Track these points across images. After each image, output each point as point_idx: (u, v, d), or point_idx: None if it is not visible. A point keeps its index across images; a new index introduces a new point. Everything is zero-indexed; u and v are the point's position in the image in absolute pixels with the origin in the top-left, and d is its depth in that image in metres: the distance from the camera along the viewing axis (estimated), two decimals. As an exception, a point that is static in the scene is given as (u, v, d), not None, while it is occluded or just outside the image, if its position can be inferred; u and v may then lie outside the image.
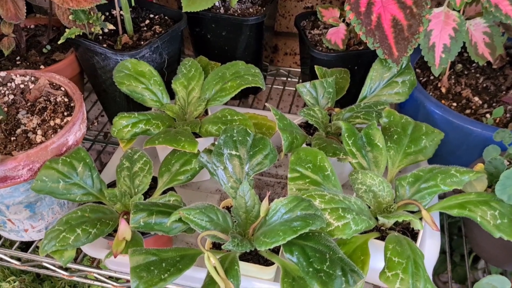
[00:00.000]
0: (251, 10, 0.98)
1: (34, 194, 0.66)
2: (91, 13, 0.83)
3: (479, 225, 0.57)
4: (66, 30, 0.81)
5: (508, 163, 0.64)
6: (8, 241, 0.87)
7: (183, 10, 0.87)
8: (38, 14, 1.11)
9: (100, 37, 0.89)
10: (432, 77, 0.88)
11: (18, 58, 0.90)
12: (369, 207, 0.64)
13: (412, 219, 0.59)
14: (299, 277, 0.56)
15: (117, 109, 0.85)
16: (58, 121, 0.70)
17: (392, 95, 0.79)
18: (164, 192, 0.68)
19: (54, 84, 0.76)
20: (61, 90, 0.75)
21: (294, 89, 1.12)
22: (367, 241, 0.60)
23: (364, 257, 0.57)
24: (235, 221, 0.62)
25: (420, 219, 0.61)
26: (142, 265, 0.53)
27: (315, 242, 0.55)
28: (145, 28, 0.92)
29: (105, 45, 0.83)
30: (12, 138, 0.67)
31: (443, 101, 0.81)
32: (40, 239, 0.77)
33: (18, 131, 0.68)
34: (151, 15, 0.97)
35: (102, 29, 0.88)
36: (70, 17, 0.82)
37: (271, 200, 0.59)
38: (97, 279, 0.74)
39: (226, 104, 0.80)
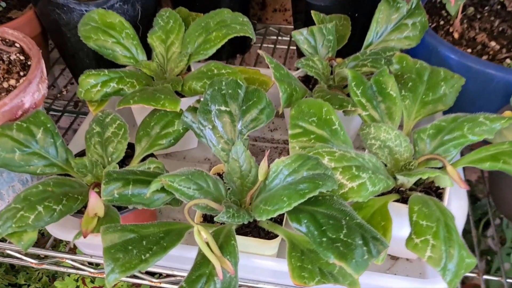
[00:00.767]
0: (234, -44, 0.87)
1: (-13, 168, 0.56)
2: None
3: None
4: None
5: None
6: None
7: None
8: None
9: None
10: (442, 22, 0.79)
11: (-32, 17, 0.79)
12: (385, 165, 0.55)
13: (439, 175, 0.50)
14: (308, 249, 0.47)
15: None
16: (13, 82, 0.59)
17: (401, 39, 0.69)
18: (143, 160, 0.58)
19: (7, 40, 0.65)
20: (15, 46, 0.64)
21: (286, 47, 1.02)
22: (386, 204, 0.51)
23: (386, 223, 0.48)
24: (229, 189, 0.53)
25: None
26: (117, 244, 0.44)
27: (326, 207, 0.46)
28: (114, -21, 0.81)
29: (67, -4, 0.72)
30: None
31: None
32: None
33: (-36, 95, 0.58)
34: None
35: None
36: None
37: (270, 161, 0.50)
38: (73, 266, 0.65)
39: (211, 59, 0.70)
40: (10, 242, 0.65)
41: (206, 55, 0.68)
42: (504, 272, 0.60)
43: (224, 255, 0.46)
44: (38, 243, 0.67)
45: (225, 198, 0.52)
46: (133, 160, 0.59)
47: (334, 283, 0.45)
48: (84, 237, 0.48)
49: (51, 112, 0.91)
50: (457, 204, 0.57)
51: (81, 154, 0.61)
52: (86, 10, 0.70)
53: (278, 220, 0.54)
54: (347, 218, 0.45)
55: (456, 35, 0.76)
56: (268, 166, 0.50)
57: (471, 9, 0.82)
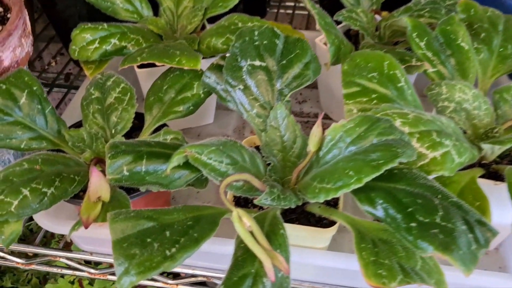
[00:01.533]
0: None
1: (-43, 144, 0.45)
2: None
3: None
4: None
5: None
6: None
7: None
8: None
9: None
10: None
11: None
12: (464, 132, 0.45)
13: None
14: (381, 240, 0.36)
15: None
16: (-11, 37, 0.48)
17: (461, -13, 0.58)
18: (155, 132, 0.47)
19: (-19, -11, 0.53)
20: (-9, -4, 0.52)
21: (307, 13, 0.91)
22: (475, 179, 0.40)
23: (481, 203, 0.38)
24: (269, 164, 0.42)
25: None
26: (131, 236, 0.33)
27: (408, 183, 0.35)
28: None
29: None
30: None
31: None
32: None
33: None
34: None
35: None
36: None
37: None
38: (68, 266, 0.53)
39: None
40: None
41: (225, 7, 0.57)
42: None
43: (273, 247, 0.35)
44: (26, 240, 0.56)
45: (264, 175, 0.41)
46: (142, 133, 0.48)
47: (420, 282, 0.34)
48: (86, 227, 0.37)
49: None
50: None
51: (77, 126, 0.50)
52: (78, -45, 0.58)
53: (331, 204, 0.44)
54: (440, 196, 0.34)
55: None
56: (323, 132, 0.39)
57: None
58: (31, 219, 0.53)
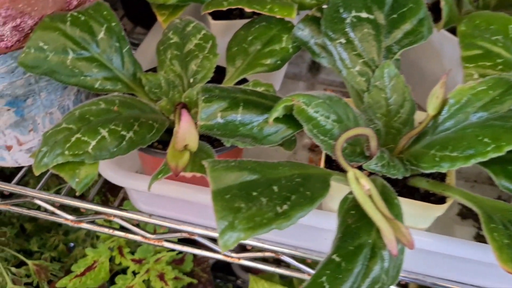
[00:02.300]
0: None
1: (23, 79, 0.41)
2: None
3: None
4: None
5: None
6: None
7: None
8: None
9: None
10: None
11: None
12: None
13: None
14: (510, 221, 0.31)
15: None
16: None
17: None
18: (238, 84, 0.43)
19: None
20: None
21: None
22: None
23: None
24: (373, 127, 0.38)
25: None
26: (233, 187, 0.29)
27: (553, 157, 0.31)
28: None
29: None
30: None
31: None
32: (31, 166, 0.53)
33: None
34: None
35: None
36: None
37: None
38: (121, 228, 0.50)
39: None
40: (41, 188, 0.51)
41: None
42: None
43: (388, 218, 0.31)
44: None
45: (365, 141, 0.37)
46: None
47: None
48: (176, 175, 0.33)
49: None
50: None
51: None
52: None
53: (438, 177, 0.39)
54: None
55: None
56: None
57: None
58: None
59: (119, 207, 0.50)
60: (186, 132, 0.34)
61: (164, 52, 0.44)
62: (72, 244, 0.86)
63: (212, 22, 0.53)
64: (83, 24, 0.39)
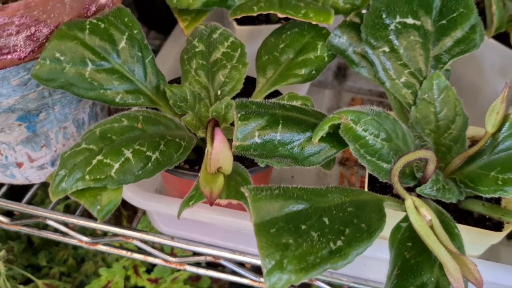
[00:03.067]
0: None
1: (36, 92, 0.38)
2: None
3: None
4: None
5: None
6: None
7: None
8: None
9: None
10: None
11: None
12: None
13: None
14: None
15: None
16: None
17: None
18: (270, 97, 0.40)
19: None
20: None
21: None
22: None
23: None
24: (421, 145, 0.35)
25: None
26: (279, 219, 0.26)
27: None
28: None
29: None
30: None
31: None
32: (43, 183, 0.50)
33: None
34: None
35: None
36: None
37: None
38: (139, 250, 0.47)
39: None
40: (54, 209, 0.48)
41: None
42: None
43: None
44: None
45: (415, 160, 0.34)
46: (252, 98, 0.41)
47: None
48: (211, 203, 0.30)
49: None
50: None
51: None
52: None
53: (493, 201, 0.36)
54: None
55: None
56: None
57: None
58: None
59: (137, 228, 0.48)
60: (219, 154, 0.31)
61: (189, 62, 0.41)
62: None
63: (238, 27, 0.50)
64: (103, 32, 0.36)
